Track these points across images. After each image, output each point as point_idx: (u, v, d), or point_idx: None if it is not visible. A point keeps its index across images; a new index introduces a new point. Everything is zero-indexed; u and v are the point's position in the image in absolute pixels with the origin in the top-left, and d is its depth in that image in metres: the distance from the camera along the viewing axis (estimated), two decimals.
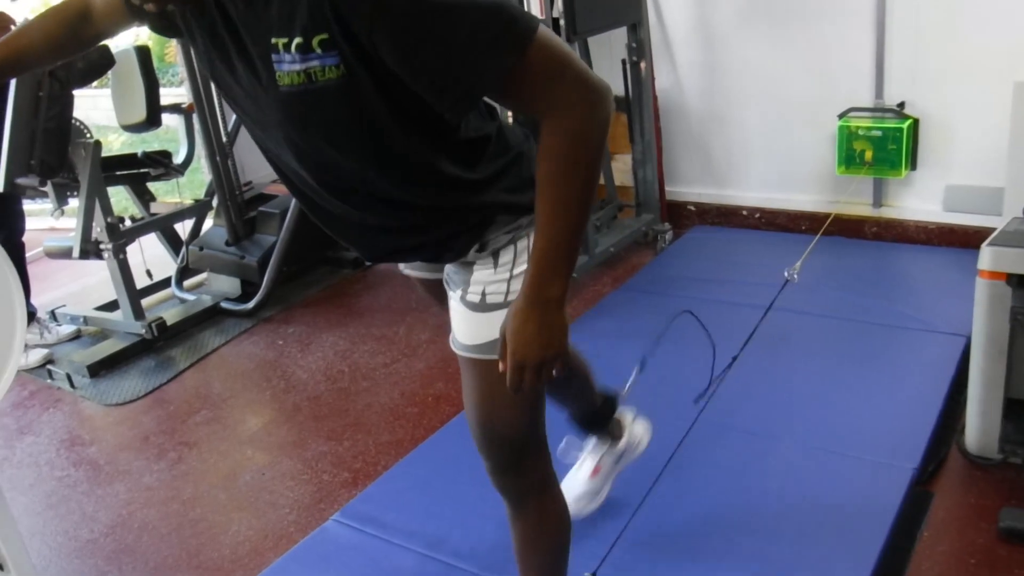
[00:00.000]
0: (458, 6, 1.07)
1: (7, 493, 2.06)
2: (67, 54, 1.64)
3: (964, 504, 2.17)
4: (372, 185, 1.29)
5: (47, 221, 4.14)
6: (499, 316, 1.35)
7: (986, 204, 3.31)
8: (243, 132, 4.08)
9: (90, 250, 3.44)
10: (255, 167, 4.53)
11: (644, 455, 2.34)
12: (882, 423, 2.44)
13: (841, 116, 3.52)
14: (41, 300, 3.96)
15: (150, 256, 3.88)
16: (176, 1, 1.18)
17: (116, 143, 6.79)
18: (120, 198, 4.12)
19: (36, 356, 3.57)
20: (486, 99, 1.28)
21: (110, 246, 3.45)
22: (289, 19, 1.10)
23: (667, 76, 3.96)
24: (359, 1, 1.06)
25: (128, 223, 3.65)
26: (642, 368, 2.13)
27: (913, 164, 3.48)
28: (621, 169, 4.04)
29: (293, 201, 3.75)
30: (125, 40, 3.60)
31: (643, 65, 3.71)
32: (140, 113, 3.60)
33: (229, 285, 3.95)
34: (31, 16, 1.92)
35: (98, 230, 3.44)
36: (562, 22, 3.21)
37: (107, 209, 3.44)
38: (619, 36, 3.69)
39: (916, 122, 3.42)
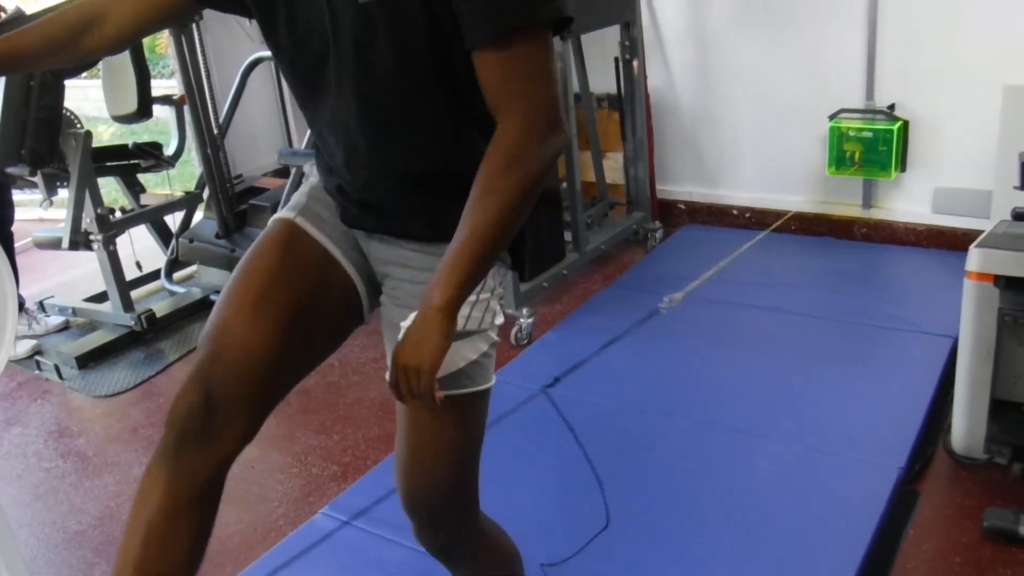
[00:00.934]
0: None
1: None
2: (72, 60, 1.49)
3: (950, 503, 2.19)
4: (412, 122, 1.28)
5: (36, 212, 4.12)
6: (452, 349, 1.19)
7: (974, 206, 3.33)
8: (234, 125, 4.08)
9: (80, 241, 3.42)
10: (246, 160, 4.53)
11: (630, 450, 2.35)
12: (869, 423, 2.46)
13: (832, 117, 3.54)
14: (30, 291, 3.94)
15: (140, 248, 3.86)
16: None
17: (106, 134, 6.75)
18: (110, 189, 4.10)
19: (24, 347, 3.54)
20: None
21: (100, 237, 3.44)
22: None
23: (659, 75, 3.97)
24: None
25: (118, 214, 3.64)
26: None
27: (903, 166, 3.50)
28: (612, 167, 4.05)
29: (284, 194, 3.75)
30: None
31: (636, 63, 3.72)
32: (131, 104, 3.58)
33: (219, 278, 3.94)
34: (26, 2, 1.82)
35: (88, 221, 3.43)
36: None
37: (97, 200, 3.43)
38: (612, 34, 3.70)
39: (906, 124, 3.44)
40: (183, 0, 1.38)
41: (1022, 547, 2.00)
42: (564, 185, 3.49)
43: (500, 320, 1.39)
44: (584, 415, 2.63)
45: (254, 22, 1.36)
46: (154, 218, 3.98)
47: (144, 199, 3.89)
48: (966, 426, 2.26)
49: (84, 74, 3.69)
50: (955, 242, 3.36)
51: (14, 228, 3.64)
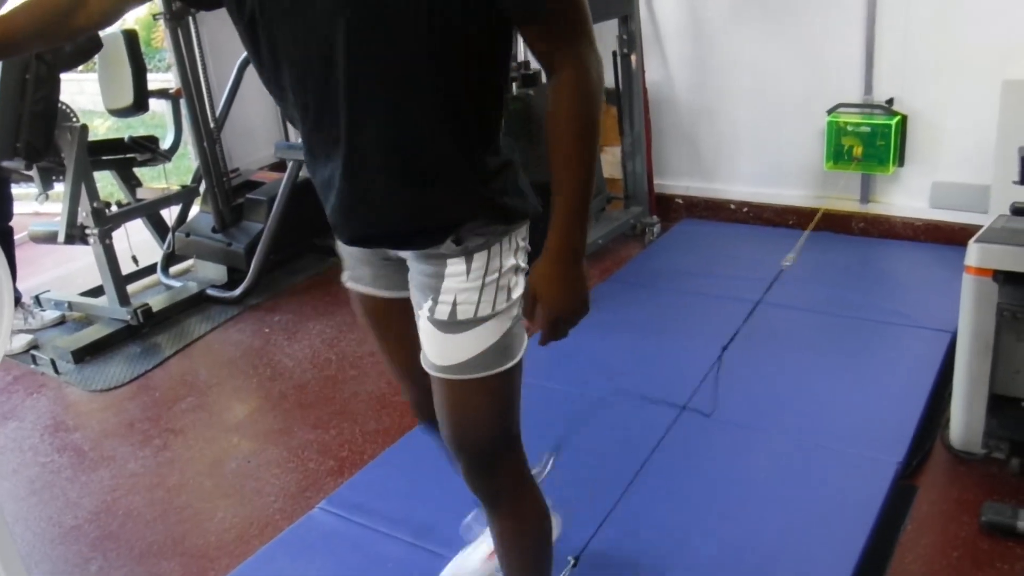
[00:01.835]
0: None
1: None
2: (62, 39, 1.57)
3: (947, 498, 2.19)
4: (402, 107, 1.26)
5: (32, 205, 4.10)
6: (469, 337, 1.39)
7: (973, 201, 3.33)
8: (230, 119, 4.06)
9: (76, 235, 3.41)
10: (243, 154, 4.51)
11: (631, 444, 2.34)
12: (867, 417, 2.46)
13: (830, 112, 3.53)
14: (26, 285, 3.92)
15: (136, 242, 3.85)
16: None
17: (102, 128, 6.73)
18: (106, 183, 4.09)
19: (20, 341, 3.54)
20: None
21: (96, 231, 3.43)
22: None
23: (657, 69, 3.96)
24: None
25: (114, 208, 3.62)
26: (557, 456, 2.09)
27: (901, 160, 3.50)
28: (610, 161, 4.04)
29: (281, 188, 3.74)
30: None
31: (634, 57, 3.71)
32: (127, 98, 3.57)
33: (215, 272, 3.93)
34: None
35: (84, 215, 3.42)
36: None
37: (93, 194, 3.42)
38: (610, 28, 3.69)
39: (904, 119, 3.44)
40: None
41: (1020, 541, 2.00)
42: None
43: (518, 292, 1.43)
44: (579, 408, 2.63)
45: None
46: (150, 212, 3.97)
47: (140, 193, 3.88)
48: (964, 421, 2.26)
49: (80, 67, 3.68)
50: (953, 237, 3.36)
51: (12, 223, 3.63)
